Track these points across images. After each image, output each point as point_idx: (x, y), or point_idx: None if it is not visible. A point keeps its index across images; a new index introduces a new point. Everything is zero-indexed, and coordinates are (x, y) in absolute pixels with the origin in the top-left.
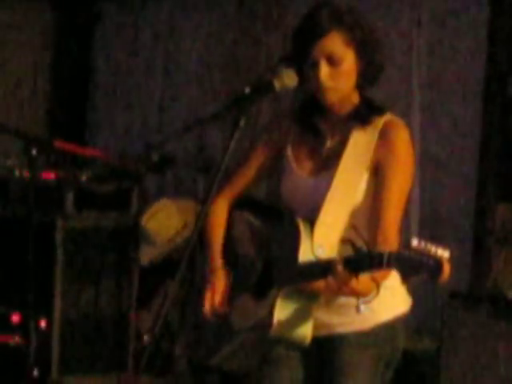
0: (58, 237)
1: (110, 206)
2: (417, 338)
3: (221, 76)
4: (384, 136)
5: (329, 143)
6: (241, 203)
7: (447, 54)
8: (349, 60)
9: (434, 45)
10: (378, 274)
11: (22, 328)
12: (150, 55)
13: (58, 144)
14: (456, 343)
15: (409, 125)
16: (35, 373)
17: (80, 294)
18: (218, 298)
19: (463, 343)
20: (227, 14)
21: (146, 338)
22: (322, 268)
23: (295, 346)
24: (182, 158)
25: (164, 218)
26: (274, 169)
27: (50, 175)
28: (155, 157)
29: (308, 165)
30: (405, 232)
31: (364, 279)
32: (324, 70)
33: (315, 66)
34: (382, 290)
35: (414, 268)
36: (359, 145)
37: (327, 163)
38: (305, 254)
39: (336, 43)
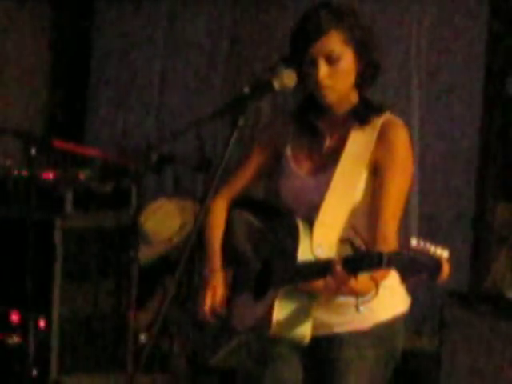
0: (57, 236)
1: (109, 205)
2: (416, 337)
3: (220, 75)
4: (383, 135)
5: (328, 143)
6: (240, 203)
7: (446, 53)
8: (347, 59)
9: (434, 44)
10: (377, 274)
11: (21, 327)
12: (148, 55)
13: (57, 143)
14: (455, 343)
15: (408, 124)
16: (34, 372)
17: (79, 293)
18: (217, 298)
19: (462, 343)
20: (224, 11)
21: (142, 337)
22: (320, 268)
23: (294, 345)
24: (181, 158)
25: (162, 217)
26: (274, 169)
27: (49, 175)
28: (154, 156)
29: (307, 164)
30: (404, 232)
31: (363, 279)
32: (323, 68)
33: (314, 64)
34: (381, 290)
35: (413, 268)
36: (358, 144)
37: (326, 163)
38: (304, 254)
39: (335, 42)
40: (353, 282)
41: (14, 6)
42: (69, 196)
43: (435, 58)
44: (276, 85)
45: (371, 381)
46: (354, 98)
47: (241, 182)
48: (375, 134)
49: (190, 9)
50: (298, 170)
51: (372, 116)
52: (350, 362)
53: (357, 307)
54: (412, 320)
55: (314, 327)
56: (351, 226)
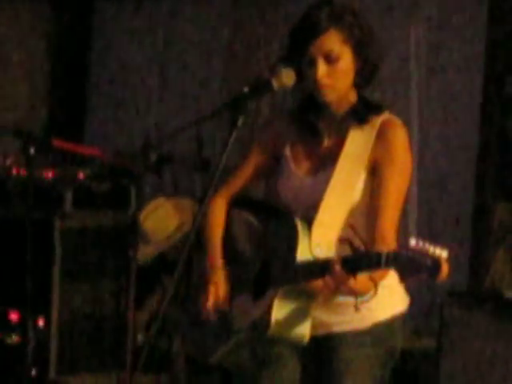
0: (57, 235)
1: (109, 204)
2: (415, 337)
3: (220, 75)
4: (382, 135)
5: (326, 142)
6: (239, 202)
7: (446, 53)
8: (346, 58)
9: (433, 44)
10: (376, 274)
11: (20, 327)
12: (148, 55)
13: (57, 143)
14: (454, 342)
15: (407, 124)
16: (33, 372)
17: (78, 292)
18: (220, 295)
19: (461, 342)
20: (223, 11)
21: (139, 336)
22: (319, 267)
23: (293, 345)
24: (180, 158)
25: (159, 216)
26: (273, 168)
27: (48, 174)
28: (153, 156)
29: (306, 164)
30: (403, 231)
31: (362, 279)
32: (321, 67)
33: (312, 63)
34: (380, 289)
35: (412, 268)
36: (357, 144)
37: (325, 162)
38: (303, 254)
39: (334, 41)
40: (352, 282)
41: (14, 6)
42: (68, 196)
43: (434, 58)
44: (275, 84)
45: (370, 380)
46: (352, 97)
47: (240, 181)
48: (374, 134)
49: (189, 8)
50: (297, 169)
51: (371, 115)
52: (349, 361)
53: (356, 307)
54: (411, 320)
55: (313, 327)
56: (350, 225)
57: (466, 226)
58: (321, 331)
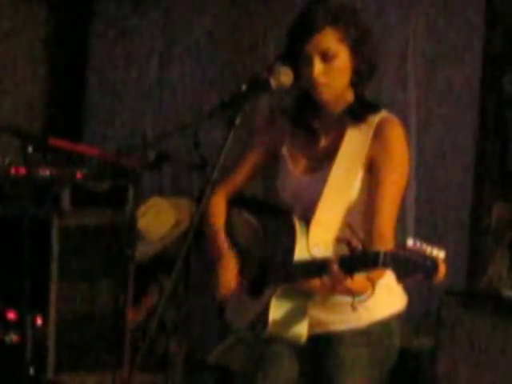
0: (54, 234)
1: (107, 203)
2: (413, 336)
3: (219, 75)
4: (379, 133)
5: (323, 141)
6: (237, 201)
7: (443, 52)
8: (343, 57)
9: (431, 44)
10: (373, 274)
11: (18, 326)
12: (146, 53)
13: (54, 141)
14: (452, 341)
15: (405, 122)
16: (31, 371)
17: (76, 291)
18: (231, 276)
19: (459, 341)
20: (221, 11)
21: (136, 335)
22: (317, 267)
23: (291, 344)
24: (178, 156)
25: (155, 215)
26: (271, 167)
27: (46, 173)
28: (151, 154)
29: (303, 163)
30: (401, 231)
31: (359, 278)
32: (318, 66)
33: (309, 62)
34: (378, 289)
35: (409, 268)
36: (354, 143)
37: (322, 161)
38: (300, 253)
39: (330, 39)
40: (349, 282)
41: (13, 7)
42: (66, 194)
43: (432, 58)
44: (273, 83)
45: (368, 379)
46: (349, 96)
47: (238, 179)
48: (371, 132)
49: (188, 8)
50: (295, 169)
51: (368, 114)
52: (347, 360)
53: (353, 306)
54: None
55: (311, 326)
56: (347, 225)
57: (464, 225)
58: (318, 330)
